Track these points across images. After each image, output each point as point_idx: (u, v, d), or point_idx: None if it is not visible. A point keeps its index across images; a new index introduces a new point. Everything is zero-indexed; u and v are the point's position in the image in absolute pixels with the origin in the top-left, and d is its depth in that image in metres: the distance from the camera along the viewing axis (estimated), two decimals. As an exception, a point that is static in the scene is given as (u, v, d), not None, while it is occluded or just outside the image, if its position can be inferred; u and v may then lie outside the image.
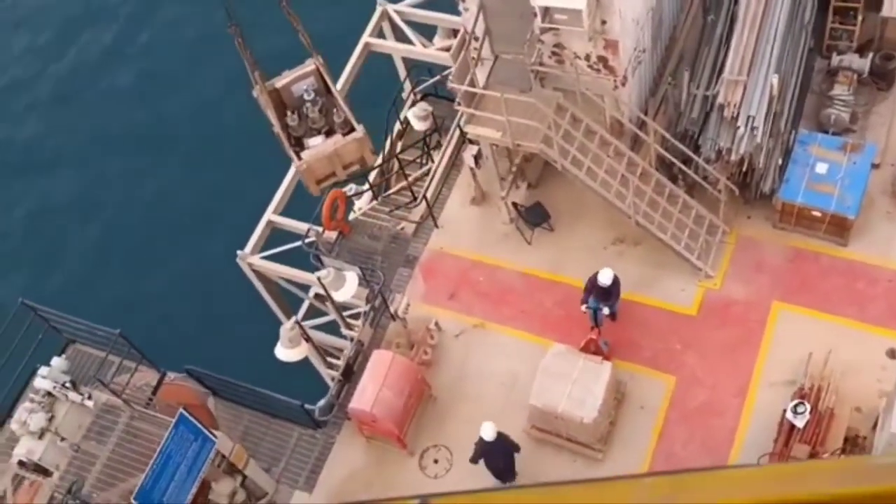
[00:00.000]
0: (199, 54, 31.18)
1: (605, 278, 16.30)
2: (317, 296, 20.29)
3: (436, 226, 19.49)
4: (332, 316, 19.71)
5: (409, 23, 21.96)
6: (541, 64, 17.02)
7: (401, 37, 22.12)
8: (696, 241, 17.62)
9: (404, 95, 22.75)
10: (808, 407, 15.06)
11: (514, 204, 18.70)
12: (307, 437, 17.85)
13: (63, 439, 15.55)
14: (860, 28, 18.94)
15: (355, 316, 19.49)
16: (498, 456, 15.67)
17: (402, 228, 19.67)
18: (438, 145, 21.51)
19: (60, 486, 15.37)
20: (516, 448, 15.75)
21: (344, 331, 18.47)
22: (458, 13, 20.05)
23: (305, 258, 18.98)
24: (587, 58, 16.69)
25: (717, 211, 17.75)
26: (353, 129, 13.77)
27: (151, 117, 30.55)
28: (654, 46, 18.46)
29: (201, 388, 18.23)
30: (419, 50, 21.51)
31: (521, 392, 16.93)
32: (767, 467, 2.64)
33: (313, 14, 31.10)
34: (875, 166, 17.80)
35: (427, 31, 22.47)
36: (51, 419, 15.54)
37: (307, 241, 18.79)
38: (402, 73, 22.67)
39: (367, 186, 20.77)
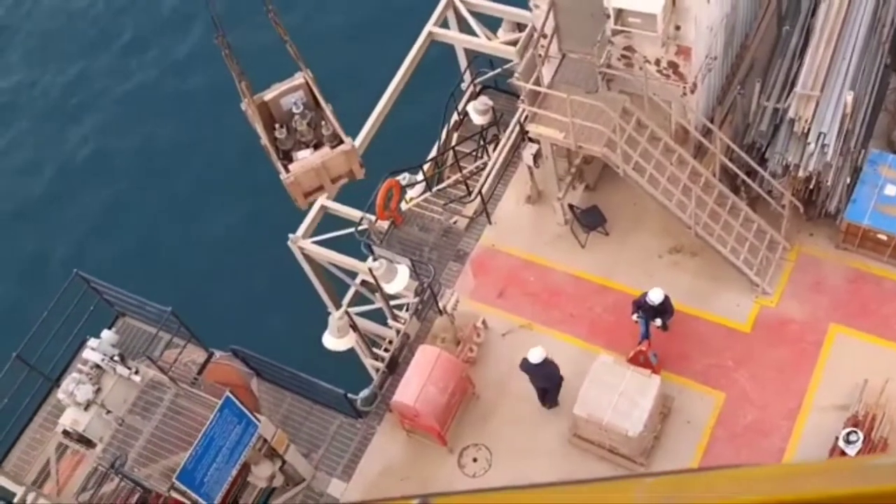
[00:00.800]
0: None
1: (655, 297, 16.03)
2: (363, 283, 20.24)
3: (489, 222, 19.29)
4: (379, 305, 19.66)
5: (475, 13, 21.69)
6: (609, 66, 16.70)
7: (465, 27, 21.88)
8: (756, 256, 17.24)
9: (463, 87, 22.55)
10: (861, 436, 14.70)
11: (571, 205, 18.44)
12: (347, 426, 17.82)
13: (108, 412, 15.64)
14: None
15: (400, 306, 19.44)
16: (539, 379, 16.37)
17: (455, 222, 19.50)
18: (495, 139, 21.29)
19: (103, 458, 15.47)
20: (559, 378, 16.33)
21: (391, 322, 18.37)
22: (524, 6, 19.82)
23: (354, 244, 18.90)
24: (657, 62, 16.35)
25: (779, 226, 17.35)
26: (341, 142, 13.63)
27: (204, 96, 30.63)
28: (725, 54, 18.03)
29: (246, 368, 18.26)
30: (483, 42, 21.25)
31: (565, 397, 16.75)
32: (767, 467, 2.57)
33: (378, 2, 31.22)
34: (947, 191, 17.27)
35: (490, 22, 22.20)
36: (97, 391, 15.64)
37: (360, 228, 18.70)
38: (462, 63, 22.45)
39: (420, 177, 20.63)
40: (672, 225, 17.51)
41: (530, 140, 18.09)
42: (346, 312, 16.44)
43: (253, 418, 15.40)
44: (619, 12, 15.39)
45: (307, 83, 14.24)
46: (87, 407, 15.59)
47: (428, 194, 20.41)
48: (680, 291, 17.46)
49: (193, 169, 29.42)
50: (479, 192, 18.91)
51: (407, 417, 16.84)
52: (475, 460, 16.94)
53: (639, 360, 16.25)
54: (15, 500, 15.27)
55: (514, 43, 20.55)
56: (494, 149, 21.29)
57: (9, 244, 29.30)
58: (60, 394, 15.68)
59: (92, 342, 15.84)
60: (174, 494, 14.75)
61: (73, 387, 15.48)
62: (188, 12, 32.75)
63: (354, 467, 17.34)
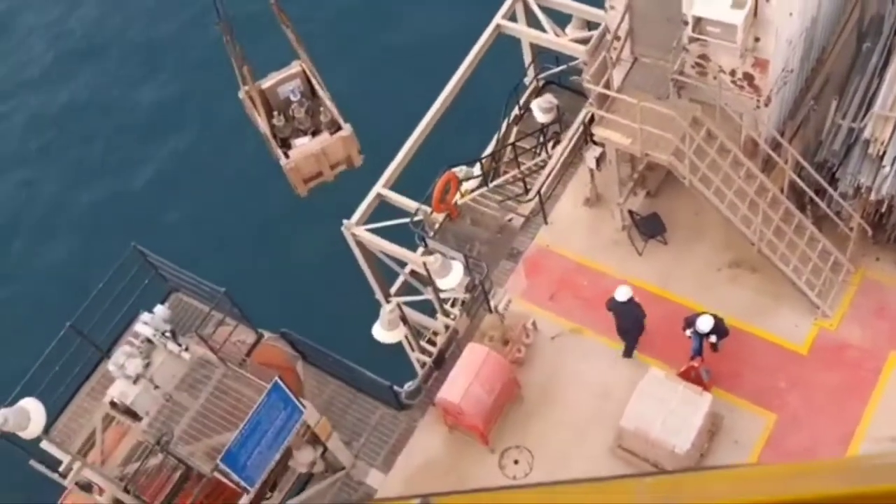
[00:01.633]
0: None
1: (704, 326, 15.77)
2: (412, 272, 20.12)
3: (545, 222, 19.06)
4: (428, 296, 19.50)
5: (544, 8, 21.36)
6: (681, 73, 16.34)
7: (532, 22, 21.56)
8: (819, 277, 16.84)
9: (526, 81, 22.29)
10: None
11: (630, 211, 18.14)
12: (390, 417, 17.78)
13: (156, 387, 15.70)
14: None
15: (448, 300, 19.28)
16: (622, 318, 16.67)
17: (511, 220, 19.29)
18: (555, 137, 21.02)
19: (148, 431, 15.55)
20: (642, 325, 16.63)
21: (439, 317, 18.25)
22: (596, 5, 19.50)
23: (404, 234, 18.78)
24: (732, 73, 15.96)
25: (845, 249, 16.93)
26: (340, 129, 13.55)
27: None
28: (801, 67, 17.56)
29: (292, 351, 18.27)
30: (551, 38, 20.88)
31: (612, 406, 16.53)
32: (767, 467, 2.59)
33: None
34: None
35: (558, 18, 21.86)
36: (147, 366, 15.68)
37: (415, 219, 18.56)
38: (527, 58, 22.16)
39: (477, 171, 20.42)
40: (734, 238, 17.15)
41: (594, 143, 17.79)
42: (399, 306, 16.30)
43: (299, 404, 15.39)
44: (698, 20, 15.01)
45: (304, 72, 14.23)
46: (135, 380, 15.64)
47: (484, 189, 20.22)
48: (737, 307, 17.14)
49: (249, 147, 29.52)
50: (539, 192, 18.62)
51: (451, 414, 16.74)
52: (516, 462, 16.80)
53: (690, 376, 15.97)
54: (61, 468, 15.41)
55: (582, 41, 20.20)
56: (553, 147, 21.04)
57: (70, 215, 29.71)
58: (111, 365, 15.75)
59: (144, 316, 15.86)
60: (216, 475, 14.81)
61: (123, 359, 15.54)
62: None
63: (394, 459, 17.30)
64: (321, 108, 14.07)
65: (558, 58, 21.49)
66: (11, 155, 31.77)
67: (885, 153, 15.96)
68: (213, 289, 15.69)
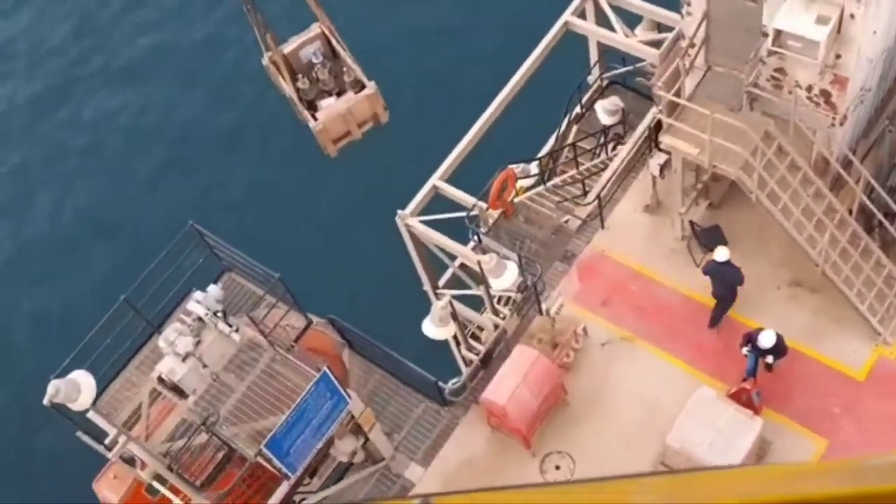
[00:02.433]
0: None
1: (766, 341, 15.41)
2: (462, 266, 19.94)
3: (602, 226, 18.77)
4: (474, 291, 19.31)
5: (615, 7, 20.98)
6: (756, 85, 15.94)
7: (602, 21, 21.19)
8: (883, 303, 16.41)
9: (590, 80, 21.96)
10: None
11: (692, 222, 17.79)
12: (432, 412, 17.68)
13: (205, 366, 15.74)
14: None
15: (497, 297, 19.09)
16: (720, 282, 16.58)
17: (567, 222, 19.03)
18: (617, 139, 20.69)
19: (194, 410, 15.60)
20: (738, 283, 16.48)
21: (489, 315, 18.08)
22: (668, 6, 19.11)
23: (455, 227, 18.60)
24: (809, 89, 15.53)
25: (911, 276, 16.47)
26: (363, 87, 13.58)
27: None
28: (878, 87, 17.06)
29: (339, 338, 18.22)
30: (620, 38, 20.49)
31: (658, 418, 16.28)
32: (767, 467, 2.58)
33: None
34: None
35: (627, 18, 21.46)
36: (197, 344, 15.72)
37: (471, 214, 18.37)
38: (593, 57, 21.81)
39: (535, 169, 20.17)
40: (796, 257, 16.75)
41: (659, 150, 17.45)
42: (451, 302, 16.15)
43: (344, 394, 15.35)
44: (779, 33, 14.62)
45: (323, 33, 14.24)
46: (184, 358, 15.70)
47: (541, 188, 19.97)
48: (794, 327, 16.77)
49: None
50: (599, 197, 18.31)
51: (495, 415, 16.61)
52: (557, 468, 16.63)
53: (741, 398, 15.62)
54: (107, 440, 15.52)
55: (652, 43, 19.81)
56: (613, 149, 20.71)
57: (132, 188, 30.00)
58: (161, 341, 15.80)
59: (197, 295, 15.88)
60: (259, 459, 14.82)
61: (174, 336, 15.57)
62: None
63: (435, 454, 17.21)
64: (344, 69, 14.16)
65: (625, 58, 21.14)
66: (81, 125, 32.07)
67: (962, 181, 15.47)
68: (268, 273, 15.66)
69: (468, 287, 20.23)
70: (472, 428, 17.31)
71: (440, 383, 16.84)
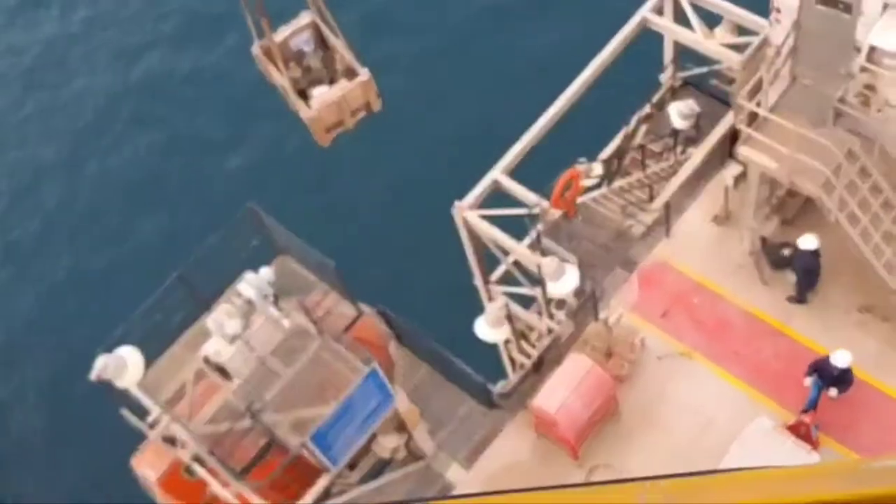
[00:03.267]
0: None
1: (841, 361, 14.71)
2: (515, 262, 19.44)
3: (667, 234, 18.13)
4: (526, 291, 18.77)
5: (695, 6, 20.19)
6: (842, 101, 15.17)
7: (680, 19, 20.42)
8: (959, 338, 15.63)
9: (662, 79, 21.24)
10: None
11: (763, 238, 17.08)
12: (478, 413, 17.27)
13: (252, 350, 15.49)
14: None
15: (552, 299, 18.56)
16: (800, 265, 16.37)
17: (631, 227, 18.42)
18: (688, 143, 19.97)
19: (238, 393, 15.37)
20: (813, 268, 16.37)
21: (544, 319, 17.58)
22: (755, 10, 18.34)
23: (510, 222, 18.09)
24: (900, 108, 14.75)
25: None
26: (356, 75, 13.14)
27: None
28: (972, 109, 16.17)
29: (387, 329, 17.87)
30: (698, 38, 19.71)
31: (712, 439, 15.72)
32: (769, 470, 2.69)
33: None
34: None
35: (706, 17, 20.66)
36: (245, 327, 15.47)
37: (532, 212, 17.83)
38: (668, 55, 21.08)
39: (599, 170, 19.52)
40: (869, 282, 16.04)
41: (735, 160, 16.74)
42: (507, 304, 15.70)
43: (391, 391, 15.01)
44: (873, 50, 13.86)
45: (314, 22, 13.87)
46: (232, 340, 15.47)
47: (605, 189, 19.37)
48: (861, 355, 16.02)
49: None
50: (667, 204, 17.66)
51: (543, 423, 16.15)
52: (603, 481, 16.14)
53: (799, 432, 14.98)
54: (149, 418, 15.37)
55: (732, 46, 19.02)
56: (683, 153, 20.01)
57: (194, 174, 29.96)
58: (209, 321, 15.57)
59: (249, 276, 15.62)
60: (302, 450, 14.56)
61: (223, 317, 15.35)
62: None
63: (478, 456, 16.83)
64: (335, 57, 13.82)
65: (701, 58, 20.36)
66: (143, 115, 32.13)
67: None
68: (323, 259, 15.33)
69: (520, 284, 19.74)
70: (518, 432, 16.89)
71: (489, 385, 16.40)
